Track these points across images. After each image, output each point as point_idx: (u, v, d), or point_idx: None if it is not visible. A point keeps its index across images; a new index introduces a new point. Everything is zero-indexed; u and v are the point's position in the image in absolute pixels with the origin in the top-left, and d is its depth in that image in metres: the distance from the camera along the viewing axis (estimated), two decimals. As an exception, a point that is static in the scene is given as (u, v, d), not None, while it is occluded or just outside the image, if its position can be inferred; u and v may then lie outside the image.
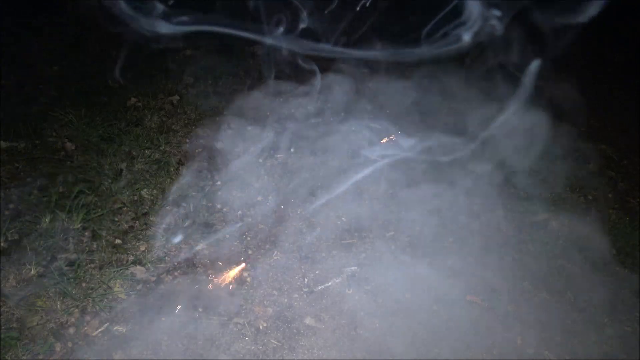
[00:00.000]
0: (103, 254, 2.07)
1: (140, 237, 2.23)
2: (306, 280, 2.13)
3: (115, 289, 1.94)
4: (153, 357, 1.72)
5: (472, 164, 2.86)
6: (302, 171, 2.89)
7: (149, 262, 2.09)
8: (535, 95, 2.72)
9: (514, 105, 2.62)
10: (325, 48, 3.04)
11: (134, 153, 2.81)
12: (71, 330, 1.77)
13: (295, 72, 3.42)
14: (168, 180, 2.63)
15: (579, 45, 2.74)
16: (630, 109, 3.98)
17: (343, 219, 2.53)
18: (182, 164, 2.80)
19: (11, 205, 2.28)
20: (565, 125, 3.37)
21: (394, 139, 3.05)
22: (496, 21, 2.42)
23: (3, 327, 1.71)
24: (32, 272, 1.94)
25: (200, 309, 1.93)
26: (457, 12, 2.53)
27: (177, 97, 3.54)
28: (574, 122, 3.43)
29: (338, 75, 3.51)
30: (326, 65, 3.50)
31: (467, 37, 2.50)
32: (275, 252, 2.27)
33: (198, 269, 2.13)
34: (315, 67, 3.20)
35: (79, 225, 2.21)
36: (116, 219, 2.31)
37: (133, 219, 2.34)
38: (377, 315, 1.98)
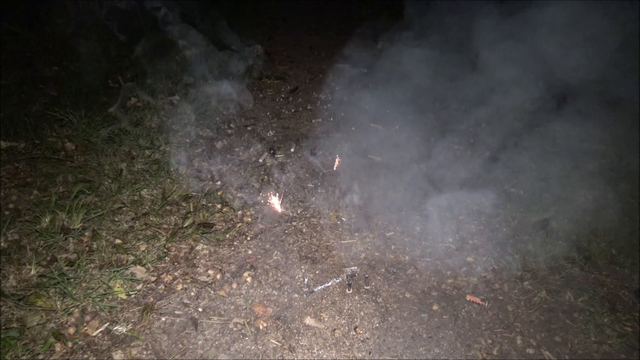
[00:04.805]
0: (103, 254, 2.07)
1: (140, 237, 2.23)
2: (306, 280, 2.13)
3: (115, 289, 1.94)
4: (153, 357, 1.72)
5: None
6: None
7: (149, 262, 2.09)
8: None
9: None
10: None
11: (134, 153, 2.81)
12: (71, 330, 1.77)
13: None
14: (168, 180, 2.63)
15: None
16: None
17: (343, 219, 2.54)
18: (182, 164, 2.81)
19: (11, 205, 2.28)
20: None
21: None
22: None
23: (3, 327, 1.71)
24: (32, 272, 1.94)
25: (200, 309, 1.93)
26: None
27: (177, 97, 3.54)
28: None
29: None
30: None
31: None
32: (275, 252, 2.27)
33: (198, 268, 2.13)
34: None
35: (79, 225, 2.21)
36: (116, 219, 2.31)
37: (133, 219, 2.34)
38: (377, 315, 1.98)
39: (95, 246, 2.12)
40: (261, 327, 1.88)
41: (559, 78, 3.08)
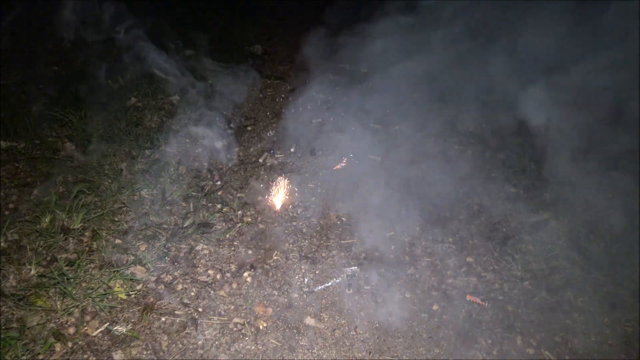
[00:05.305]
0: (103, 254, 2.07)
1: (140, 237, 2.23)
2: (306, 280, 2.13)
3: (115, 289, 1.94)
4: (153, 357, 1.72)
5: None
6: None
7: (149, 262, 2.09)
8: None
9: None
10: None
11: (134, 153, 2.81)
12: (71, 330, 1.77)
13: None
14: (168, 180, 2.63)
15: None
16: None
17: (343, 219, 2.54)
18: (182, 164, 2.80)
19: (11, 205, 2.28)
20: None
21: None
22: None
23: (3, 327, 1.71)
24: (32, 272, 1.94)
25: (200, 309, 1.93)
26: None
27: (177, 97, 3.54)
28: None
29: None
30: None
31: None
32: (275, 252, 2.27)
33: (198, 268, 2.13)
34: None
35: (79, 225, 2.21)
36: (116, 219, 2.31)
37: (133, 219, 2.34)
38: (377, 315, 1.98)
39: (95, 246, 2.12)
40: (261, 327, 1.88)
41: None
